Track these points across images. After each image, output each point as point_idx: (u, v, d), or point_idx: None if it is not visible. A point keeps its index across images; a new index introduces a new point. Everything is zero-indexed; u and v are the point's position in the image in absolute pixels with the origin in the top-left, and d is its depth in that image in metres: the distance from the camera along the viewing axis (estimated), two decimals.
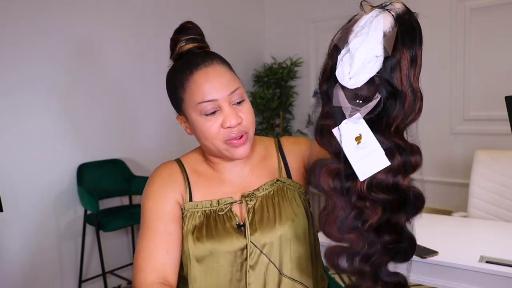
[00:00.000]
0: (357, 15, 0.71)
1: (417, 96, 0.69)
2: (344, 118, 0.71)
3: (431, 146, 3.23)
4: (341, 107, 0.71)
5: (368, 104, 0.69)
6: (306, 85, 3.95)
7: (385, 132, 0.70)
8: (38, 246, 2.58)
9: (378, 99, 0.68)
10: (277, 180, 0.97)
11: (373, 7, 0.69)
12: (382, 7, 0.68)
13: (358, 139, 0.71)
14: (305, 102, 3.98)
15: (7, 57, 2.40)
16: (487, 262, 1.51)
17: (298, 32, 3.95)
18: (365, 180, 0.71)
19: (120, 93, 2.98)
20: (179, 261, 0.91)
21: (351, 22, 0.71)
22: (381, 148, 0.70)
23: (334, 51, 0.71)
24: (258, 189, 0.95)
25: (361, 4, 0.70)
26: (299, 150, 1.01)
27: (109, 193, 2.86)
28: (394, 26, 0.67)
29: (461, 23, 3.05)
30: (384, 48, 0.66)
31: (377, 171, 0.71)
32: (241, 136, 0.89)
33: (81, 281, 2.74)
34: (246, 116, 0.89)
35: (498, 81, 2.97)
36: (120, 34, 2.95)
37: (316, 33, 3.86)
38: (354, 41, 0.68)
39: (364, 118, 0.70)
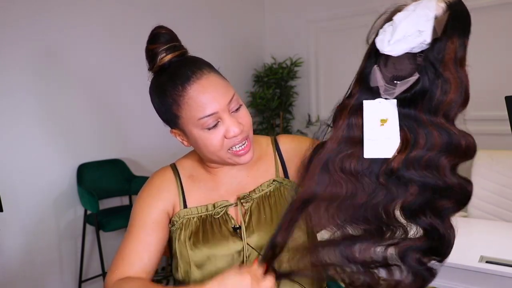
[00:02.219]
0: (402, 5, 0.70)
1: (464, 83, 0.70)
2: (379, 96, 0.71)
3: None
4: (377, 86, 0.70)
5: (404, 81, 0.68)
6: (306, 85, 3.95)
7: (431, 113, 0.69)
8: (38, 246, 2.58)
9: (416, 77, 0.68)
10: (274, 180, 0.96)
11: None
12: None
13: (384, 121, 0.71)
14: (305, 102, 3.98)
15: (7, 58, 2.40)
16: (487, 262, 1.51)
17: (298, 32, 3.95)
18: (396, 157, 0.69)
19: (120, 93, 2.98)
20: (154, 267, 0.92)
21: (396, 9, 0.70)
22: (398, 139, 0.70)
23: (377, 34, 0.70)
24: (254, 190, 0.95)
25: None
26: (297, 149, 0.99)
27: (109, 193, 2.86)
28: (446, 10, 0.67)
29: None
30: (434, 29, 0.66)
31: (382, 157, 0.71)
32: (244, 143, 0.88)
33: (81, 281, 2.74)
34: (245, 121, 0.88)
35: (498, 81, 2.96)
36: (120, 34, 2.95)
37: (316, 33, 3.86)
38: (399, 14, 0.68)
39: (400, 96, 0.70)
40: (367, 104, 0.73)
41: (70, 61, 2.69)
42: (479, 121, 3.07)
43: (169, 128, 0.98)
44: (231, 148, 0.87)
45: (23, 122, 2.48)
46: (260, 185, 0.96)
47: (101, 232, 2.70)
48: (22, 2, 2.44)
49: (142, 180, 2.83)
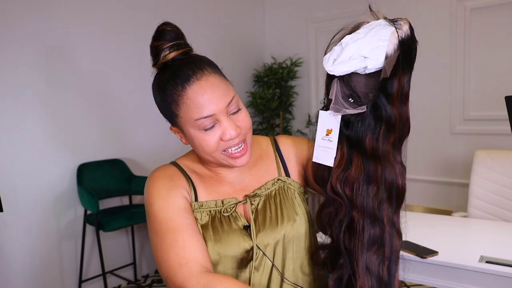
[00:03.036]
0: (363, 22, 0.75)
1: (403, 120, 0.75)
2: (330, 108, 0.80)
3: (431, 146, 3.23)
4: (332, 99, 0.79)
5: (354, 108, 0.77)
6: (306, 85, 3.96)
7: (370, 143, 0.78)
8: (38, 246, 2.58)
9: (364, 109, 0.75)
10: (278, 179, 0.96)
11: (385, 18, 0.73)
12: (392, 21, 0.72)
13: (329, 131, 0.81)
14: (305, 102, 3.98)
15: (7, 58, 2.40)
16: (487, 262, 1.51)
17: (298, 32, 3.95)
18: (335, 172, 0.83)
19: (120, 93, 2.98)
20: (207, 254, 0.85)
21: (356, 26, 0.75)
22: (335, 151, 0.81)
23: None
24: (260, 188, 0.95)
25: (370, 9, 0.73)
26: (297, 150, 1.00)
27: (109, 193, 2.86)
28: (397, 50, 0.70)
29: (461, 23, 3.04)
30: (384, 69, 0.71)
31: (324, 164, 0.83)
32: (241, 146, 0.88)
33: (81, 281, 2.74)
34: (243, 124, 0.87)
35: (498, 81, 2.97)
36: (119, 34, 2.95)
37: (316, 33, 3.86)
38: (347, 37, 0.73)
39: (345, 117, 0.79)
40: (322, 114, 0.82)
41: (70, 62, 2.69)
42: (479, 121, 3.07)
43: (168, 128, 0.97)
44: (226, 150, 0.87)
45: (23, 122, 2.48)
46: (265, 184, 0.95)
47: (101, 232, 2.70)
48: (22, 1, 2.44)
49: (142, 180, 2.85)
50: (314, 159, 0.84)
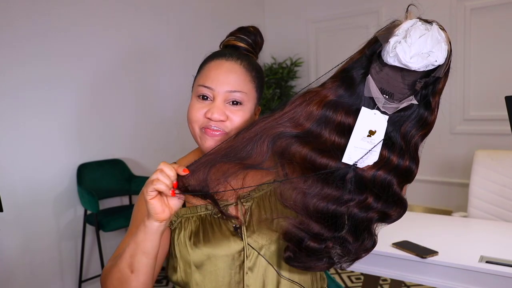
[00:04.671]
0: (397, 20, 0.74)
1: (435, 118, 0.76)
2: (374, 107, 0.75)
3: (431, 146, 3.23)
4: (371, 97, 0.74)
5: (404, 103, 0.73)
6: (306, 85, 3.95)
7: (407, 138, 0.76)
8: (38, 246, 2.58)
9: (411, 101, 0.73)
10: (274, 180, 0.96)
11: (421, 19, 0.73)
12: (427, 21, 0.73)
13: (372, 133, 0.75)
14: None
15: (7, 58, 2.40)
16: (487, 262, 1.51)
17: (298, 32, 3.95)
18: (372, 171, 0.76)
19: (120, 93, 2.98)
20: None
21: (393, 24, 0.73)
22: (378, 155, 0.75)
23: (374, 43, 0.74)
24: (254, 190, 0.95)
25: (407, 10, 0.73)
26: None
27: (109, 193, 2.86)
28: (450, 53, 0.72)
29: (461, 23, 3.05)
30: (442, 67, 0.72)
31: (361, 166, 0.76)
32: (218, 131, 0.88)
33: (81, 281, 2.74)
34: (234, 118, 0.87)
35: (498, 81, 2.97)
36: (119, 34, 2.95)
37: (316, 33, 3.86)
38: (415, 31, 0.71)
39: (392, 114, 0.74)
40: (364, 112, 0.75)
41: (70, 62, 2.69)
42: (479, 121, 3.07)
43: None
44: (204, 128, 0.88)
45: (23, 122, 2.48)
46: (261, 184, 0.95)
47: (101, 232, 2.70)
48: (16, 1, 2.44)
49: (142, 180, 2.85)
50: (345, 160, 0.75)
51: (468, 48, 3.05)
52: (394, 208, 0.79)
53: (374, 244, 0.83)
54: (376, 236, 0.83)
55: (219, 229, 0.90)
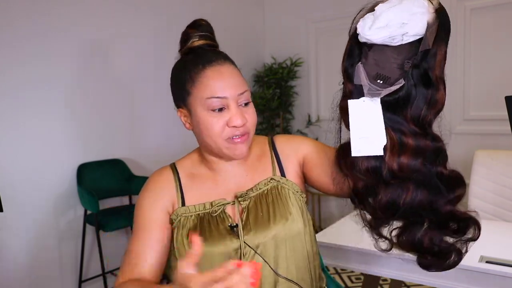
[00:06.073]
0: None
1: (445, 89, 0.74)
2: (362, 95, 0.73)
3: None
4: (361, 85, 0.73)
5: (391, 87, 0.70)
6: (306, 85, 3.95)
7: (417, 120, 0.72)
8: (38, 246, 2.58)
9: (402, 83, 0.70)
10: (271, 179, 0.96)
11: None
12: None
13: (368, 120, 0.73)
14: (305, 102, 3.98)
15: (7, 58, 2.40)
16: (487, 262, 1.51)
17: (298, 32, 3.95)
18: (395, 160, 0.72)
19: (120, 93, 2.98)
20: (160, 266, 0.93)
21: (376, 3, 0.71)
22: (385, 137, 0.72)
23: (355, 31, 0.73)
24: (251, 188, 0.95)
25: None
26: (293, 148, 1.00)
27: (109, 193, 2.86)
28: (436, 20, 0.69)
29: (461, 23, 3.04)
30: (427, 39, 0.68)
31: (372, 154, 0.73)
32: (243, 135, 0.90)
33: (81, 281, 2.74)
34: (250, 118, 0.91)
35: (498, 81, 2.96)
36: (120, 34, 2.95)
37: (316, 33, 3.86)
38: (382, 5, 0.69)
39: (383, 99, 0.71)
40: (352, 104, 0.74)
41: (70, 62, 2.69)
42: (479, 121, 3.07)
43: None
44: (229, 138, 0.89)
45: (23, 122, 2.48)
46: (258, 184, 0.96)
47: (101, 232, 2.70)
48: (16, 1, 2.44)
49: (142, 180, 2.83)
50: (355, 153, 0.74)
51: (468, 48, 3.05)
52: (452, 190, 0.75)
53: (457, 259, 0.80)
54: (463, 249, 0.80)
55: (216, 228, 0.91)
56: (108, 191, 2.84)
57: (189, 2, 3.41)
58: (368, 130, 0.73)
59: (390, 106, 0.72)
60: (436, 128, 0.78)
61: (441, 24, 0.70)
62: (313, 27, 3.86)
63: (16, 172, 2.46)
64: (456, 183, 0.77)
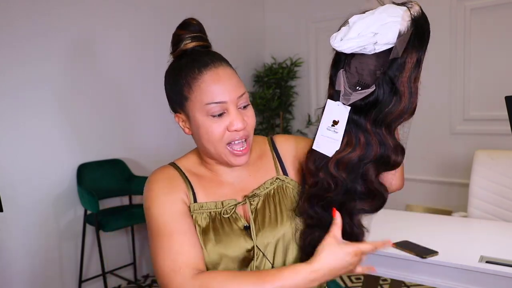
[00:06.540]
0: (369, 10, 0.76)
1: (414, 98, 0.77)
2: (338, 99, 0.81)
3: (431, 146, 3.23)
4: (339, 90, 0.80)
5: (362, 91, 0.77)
6: (306, 85, 3.95)
7: (376, 124, 0.80)
8: (38, 246, 2.58)
9: (372, 89, 0.76)
10: (277, 178, 0.96)
11: (393, 3, 0.74)
12: (403, 3, 0.73)
13: (335, 123, 0.82)
14: (305, 102, 3.98)
15: (6, 58, 2.40)
16: (487, 262, 1.51)
17: (298, 32, 3.95)
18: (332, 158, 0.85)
19: (120, 93, 2.98)
20: (203, 255, 0.87)
21: (362, 13, 0.76)
22: (339, 143, 0.83)
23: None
24: (259, 188, 0.95)
25: None
26: (293, 148, 1.00)
27: (109, 193, 2.86)
28: (410, 28, 0.70)
29: (461, 23, 3.04)
30: (396, 47, 0.71)
31: (326, 154, 0.85)
32: (244, 144, 0.89)
33: (81, 281, 2.74)
34: (250, 120, 0.89)
35: (498, 81, 2.96)
36: (120, 34, 2.95)
37: (316, 33, 3.86)
38: (354, 16, 0.75)
39: (355, 103, 0.79)
40: (329, 104, 0.83)
41: (69, 62, 2.69)
42: (479, 121, 3.07)
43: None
44: (230, 143, 0.88)
45: (23, 122, 2.48)
46: (264, 183, 0.95)
47: (101, 232, 2.70)
48: (16, 1, 2.44)
49: (142, 180, 2.84)
50: (315, 147, 0.85)
51: (468, 48, 3.04)
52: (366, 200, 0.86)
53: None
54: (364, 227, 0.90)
55: (231, 229, 0.89)
56: (108, 191, 2.84)
57: (189, 2, 3.41)
58: (331, 131, 0.82)
59: (358, 110, 0.80)
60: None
61: (415, 32, 0.71)
62: (313, 27, 3.86)
63: (16, 172, 2.46)
64: (375, 196, 0.86)
